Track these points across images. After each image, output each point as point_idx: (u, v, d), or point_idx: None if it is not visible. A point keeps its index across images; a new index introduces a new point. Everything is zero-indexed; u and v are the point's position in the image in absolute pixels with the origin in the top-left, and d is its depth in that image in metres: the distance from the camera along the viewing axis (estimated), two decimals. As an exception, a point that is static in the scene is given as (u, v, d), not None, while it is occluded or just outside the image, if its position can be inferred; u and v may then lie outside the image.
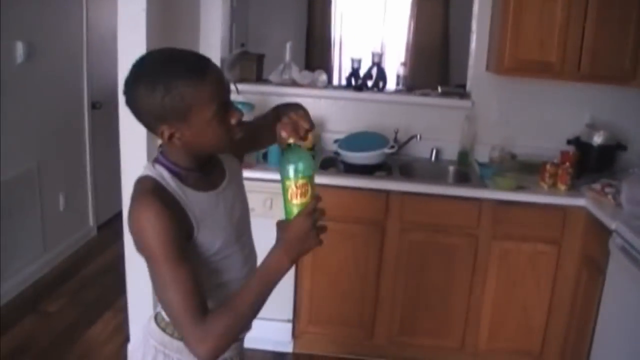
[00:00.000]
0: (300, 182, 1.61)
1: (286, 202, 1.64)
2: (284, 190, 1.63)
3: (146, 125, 1.62)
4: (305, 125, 1.78)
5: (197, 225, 1.64)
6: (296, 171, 1.61)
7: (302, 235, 1.60)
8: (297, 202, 1.62)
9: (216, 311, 1.56)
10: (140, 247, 1.59)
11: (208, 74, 1.59)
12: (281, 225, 1.64)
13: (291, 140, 1.68)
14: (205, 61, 1.62)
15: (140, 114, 1.60)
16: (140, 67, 1.61)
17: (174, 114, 1.56)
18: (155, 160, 1.70)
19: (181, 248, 1.56)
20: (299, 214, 1.61)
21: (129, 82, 1.60)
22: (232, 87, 4.00)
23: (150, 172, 1.65)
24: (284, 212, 1.66)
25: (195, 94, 1.55)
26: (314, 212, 1.61)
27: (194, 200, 1.66)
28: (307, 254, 1.64)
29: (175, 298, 1.54)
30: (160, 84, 1.54)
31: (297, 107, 1.86)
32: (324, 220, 1.65)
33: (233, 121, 1.65)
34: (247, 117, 3.79)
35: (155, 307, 1.81)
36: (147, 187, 1.60)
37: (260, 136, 2.03)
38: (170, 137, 1.60)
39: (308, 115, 1.82)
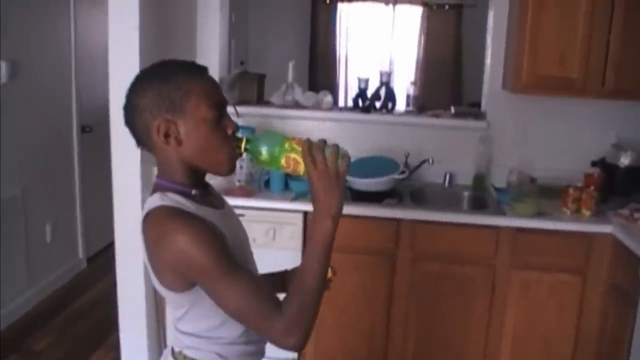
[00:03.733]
0: (283, 160, 1.67)
1: (301, 178, 1.76)
2: (286, 173, 1.81)
3: (143, 129, 1.68)
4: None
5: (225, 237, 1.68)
6: (274, 154, 1.67)
7: (325, 188, 1.62)
8: (301, 170, 1.66)
9: (286, 300, 1.61)
10: (192, 274, 1.61)
11: (205, 74, 1.72)
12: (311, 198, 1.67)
13: (241, 141, 1.71)
14: (203, 66, 1.74)
15: (138, 115, 1.67)
16: (140, 72, 1.74)
17: (171, 104, 1.64)
18: (159, 189, 1.72)
19: (230, 254, 1.61)
20: (308, 174, 1.64)
21: (128, 92, 1.70)
22: (232, 109, 4.00)
23: (164, 202, 1.66)
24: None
25: (193, 85, 1.66)
26: (313, 155, 1.62)
27: (214, 218, 1.69)
28: (341, 196, 1.65)
29: (249, 306, 1.59)
30: (158, 76, 1.67)
31: None
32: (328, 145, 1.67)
33: (229, 130, 1.71)
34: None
35: (150, 342, 1.81)
36: (170, 213, 1.63)
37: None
38: (166, 135, 1.65)
39: None
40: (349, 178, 4.00)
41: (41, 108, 5.10)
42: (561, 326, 3.76)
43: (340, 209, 1.65)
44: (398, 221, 3.72)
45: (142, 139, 1.71)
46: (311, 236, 1.66)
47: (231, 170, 1.77)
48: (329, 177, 1.62)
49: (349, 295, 3.80)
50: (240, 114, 4.17)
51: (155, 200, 1.68)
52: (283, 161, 1.66)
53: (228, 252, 1.60)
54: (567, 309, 3.74)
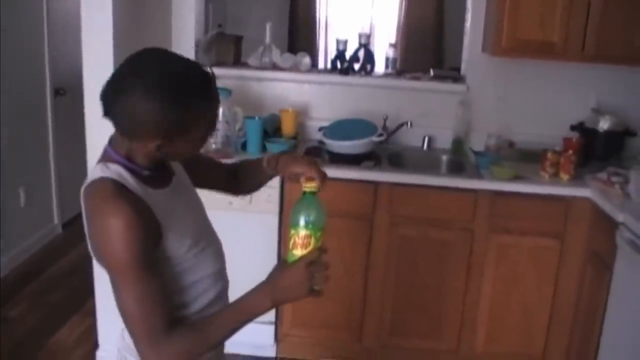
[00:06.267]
0: (303, 233, 1.68)
1: (288, 250, 1.71)
2: (289, 237, 1.71)
3: (129, 130, 1.57)
4: (318, 174, 1.82)
5: (164, 225, 1.64)
6: (306, 222, 1.68)
7: (292, 283, 1.66)
8: (297, 252, 1.69)
9: (180, 332, 1.61)
10: (104, 258, 1.59)
11: (214, 92, 1.66)
12: (277, 266, 1.71)
13: (308, 188, 1.74)
14: (211, 78, 1.66)
15: (132, 119, 1.54)
16: (147, 72, 1.55)
17: (176, 129, 1.57)
18: (105, 159, 1.66)
19: (150, 260, 1.58)
20: (298, 260, 1.67)
21: (126, 85, 1.53)
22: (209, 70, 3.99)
23: (105, 173, 1.61)
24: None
25: (205, 110, 1.62)
26: (314, 264, 1.67)
27: (156, 199, 1.66)
28: (291, 302, 1.72)
29: (139, 314, 1.57)
30: (172, 92, 1.53)
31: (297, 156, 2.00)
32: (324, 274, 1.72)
33: (205, 142, 1.72)
34: (224, 103, 3.78)
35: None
36: (109, 190, 1.57)
37: (244, 176, 2.17)
38: (158, 148, 1.59)
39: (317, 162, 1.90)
40: (327, 140, 4.02)
41: (13, 71, 5.04)
42: (539, 290, 3.81)
43: (278, 306, 1.73)
44: (376, 184, 3.74)
45: (118, 126, 1.59)
46: (245, 300, 1.68)
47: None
48: (307, 282, 1.66)
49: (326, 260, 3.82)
50: (217, 76, 4.15)
51: (95, 171, 1.63)
52: (305, 231, 1.68)
53: (149, 254, 1.57)
54: (544, 274, 3.78)
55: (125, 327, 1.64)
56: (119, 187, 1.58)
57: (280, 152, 2.05)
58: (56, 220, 5.90)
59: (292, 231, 1.69)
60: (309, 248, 1.68)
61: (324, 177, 1.82)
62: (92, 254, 1.66)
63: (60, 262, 5.34)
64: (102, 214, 1.55)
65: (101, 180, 1.60)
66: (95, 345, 3.91)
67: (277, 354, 4.07)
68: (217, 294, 1.84)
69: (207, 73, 1.64)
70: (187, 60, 1.63)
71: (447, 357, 3.99)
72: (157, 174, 1.72)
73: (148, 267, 1.56)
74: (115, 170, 1.62)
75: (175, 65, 1.60)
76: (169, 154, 1.65)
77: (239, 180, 2.17)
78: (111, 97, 1.55)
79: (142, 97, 1.51)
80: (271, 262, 1.74)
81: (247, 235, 3.67)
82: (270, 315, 3.93)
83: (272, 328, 3.98)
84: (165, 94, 1.52)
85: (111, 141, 1.69)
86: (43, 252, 5.53)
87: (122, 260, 1.53)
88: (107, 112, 1.56)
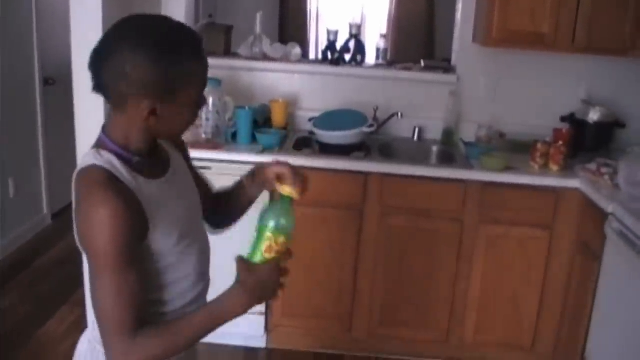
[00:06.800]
0: (282, 239, 1.66)
1: (259, 250, 1.66)
2: (261, 239, 1.66)
3: (120, 95, 1.56)
4: (299, 181, 1.80)
5: (152, 218, 1.61)
6: (283, 227, 1.66)
7: (266, 284, 1.65)
8: (268, 256, 1.66)
9: (151, 332, 1.58)
10: (88, 247, 1.56)
11: (204, 53, 1.63)
12: (246, 266, 1.66)
13: (287, 193, 1.73)
14: (201, 39, 1.65)
15: (122, 81, 1.53)
16: (138, 29, 1.57)
17: (168, 88, 1.55)
18: (99, 146, 1.64)
19: (132, 254, 1.55)
20: (269, 262, 1.65)
21: (113, 47, 1.55)
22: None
23: (97, 161, 1.59)
24: (250, 252, 1.68)
25: (195, 72, 1.60)
26: (281, 269, 1.68)
27: (147, 190, 1.63)
28: (258, 305, 1.71)
29: (112, 307, 1.54)
30: (168, 53, 1.53)
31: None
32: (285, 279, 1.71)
33: (201, 109, 1.72)
34: (214, 93, 3.77)
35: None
36: (100, 179, 1.54)
37: (226, 199, 2.07)
38: (150, 113, 1.56)
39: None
40: (317, 131, 4.03)
41: (1, 60, 5.02)
42: (528, 281, 3.82)
43: (249, 308, 1.66)
44: (366, 175, 3.74)
45: (109, 95, 1.59)
46: (220, 302, 1.65)
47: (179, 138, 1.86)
48: (274, 284, 1.67)
49: (316, 250, 3.82)
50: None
51: (87, 157, 1.61)
52: (282, 238, 1.66)
53: (132, 248, 1.54)
54: (534, 264, 3.79)
55: (96, 321, 1.61)
56: (109, 177, 1.55)
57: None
58: (45, 210, 5.87)
59: (268, 234, 1.65)
60: (274, 253, 1.66)
61: (303, 186, 1.81)
62: (76, 239, 1.61)
63: (49, 253, 5.33)
64: (89, 203, 1.53)
65: (93, 168, 1.58)
66: (85, 336, 3.91)
67: (267, 344, 4.07)
68: (197, 295, 1.81)
69: (196, 34, 1.64)
70: (176, 21, 1.62)
71: (436, 347, 4.01)
72: (152, 162, 1.70)
73: (129, 262, 1.53)
74: (108, 159, 1.59)
75: (163, 23, 1.60)
76: (160, 127, 1.62)
77: (221, 207, 2.07)
78: (99, 63, 1.56)
79: (130, 54, 1.51)
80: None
81: (236, 228, 3.66)
82: (261, 305, 3.92)
83: (262, 318, 3.98)
84: (153, 49, 1.52)
85: (104, 128, 1.67)
86: (33, 243, 5.51)
87: (105, 251, 1.51)
88: (97, 84, 1.57)
